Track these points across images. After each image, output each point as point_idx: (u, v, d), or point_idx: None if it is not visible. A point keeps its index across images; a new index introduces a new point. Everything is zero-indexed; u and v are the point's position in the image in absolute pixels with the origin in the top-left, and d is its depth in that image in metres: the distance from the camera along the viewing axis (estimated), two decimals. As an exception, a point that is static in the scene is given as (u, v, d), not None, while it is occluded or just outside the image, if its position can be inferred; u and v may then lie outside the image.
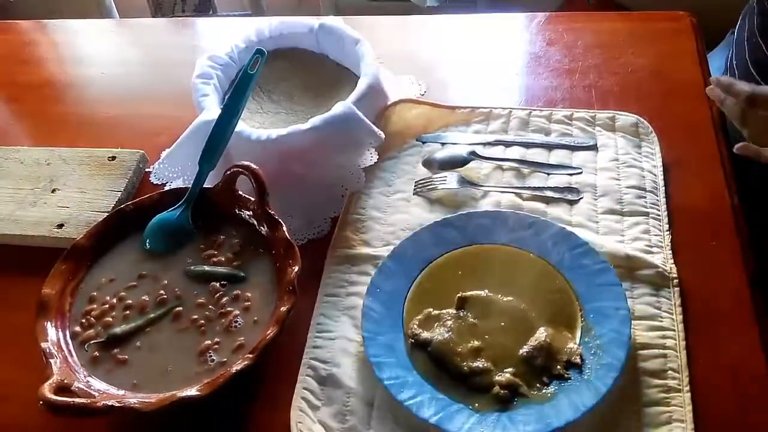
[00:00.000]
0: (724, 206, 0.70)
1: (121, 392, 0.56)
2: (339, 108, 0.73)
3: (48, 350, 0.56)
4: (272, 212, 0.64)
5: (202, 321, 0.61)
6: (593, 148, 0.78)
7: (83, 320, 0.61)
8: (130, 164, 0.82)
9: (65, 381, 0.54)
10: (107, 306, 0.62)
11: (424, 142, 0.82)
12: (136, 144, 0.86)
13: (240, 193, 0.67)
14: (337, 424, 0.58)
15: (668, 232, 0.68)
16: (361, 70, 0.79)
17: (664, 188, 0.72)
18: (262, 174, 0.64)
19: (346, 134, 0.73)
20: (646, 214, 0.70)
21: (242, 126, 0.73)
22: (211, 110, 0.75)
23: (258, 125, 0.79)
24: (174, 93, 0.93)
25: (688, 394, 0.56)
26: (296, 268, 0.60)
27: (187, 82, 0.81)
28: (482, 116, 0.83)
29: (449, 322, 0.62)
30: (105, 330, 0.60)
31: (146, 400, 0.53)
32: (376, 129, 0.75)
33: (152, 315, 0.61)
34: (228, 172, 0.66)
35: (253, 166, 0.65)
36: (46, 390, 0.51)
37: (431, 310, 0.63)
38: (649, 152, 0.76)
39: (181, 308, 0.62)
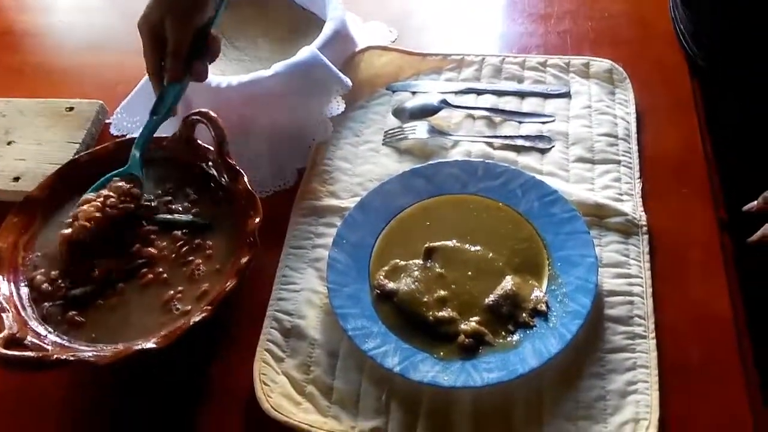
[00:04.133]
0: (697, 154, 0.69)
1: (80, 345, 0.54)
2: (303, 53, 0.70)
3: (0, 304, 0.55)
4: (232, 162, 0.62)
5: (165, 271, 0.60)
6: (566, 95, 0.76)
7: (40, 276, 0.59)
8: (88, 115, 0.79)
9: (18, 335, 0.52)
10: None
11: (394, 91, 0.80)
12: (96, 95, 0.83)
13: (199, 142, 0.65)
14: (302, 375, 0.58)
15: (639, 180, 0.67)
16: (328, 15, 0.76)
17: (636, 136, 0.71)
18: (221, 121, 0.62)
19: (311, 81, 0.71)
20: (618, 162, 0.69)
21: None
22: (170, 57, 0.72)
23: (219, 73, 0.76)
24: (136, 41, 0.88)
25: (653, 341, 0.56)
26: (257, 219, 0.58)
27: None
28: (454, 64, 0.81)
29: (416, 273, 0.61)
30: (66, 290, 0.58)
31: (101, 353, 0.51)
32: (342, 76, 0.73)
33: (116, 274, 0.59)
34: (186, 120, 0.64)
35: (211, 113, 0.62)
36: (-3, 344, 0.49)
37: (398, 261, 0.62)
38: (622, 99, 0.74)
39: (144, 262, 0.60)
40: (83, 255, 0.60)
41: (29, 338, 0.52)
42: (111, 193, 0.62)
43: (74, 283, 0.59)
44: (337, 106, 0.73)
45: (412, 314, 0.58)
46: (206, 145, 0.65)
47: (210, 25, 0.63)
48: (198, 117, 0.63)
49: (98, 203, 0.61)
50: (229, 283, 0.55)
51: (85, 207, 0.60)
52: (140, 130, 0.68)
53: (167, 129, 0.66)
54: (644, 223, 0.63)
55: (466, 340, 0.56)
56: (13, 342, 0.51)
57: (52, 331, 0.55)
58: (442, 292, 0.59)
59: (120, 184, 0.62)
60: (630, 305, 0.58)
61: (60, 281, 0.59)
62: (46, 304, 0.57)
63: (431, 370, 0.55)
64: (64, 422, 0.58)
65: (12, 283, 0.58)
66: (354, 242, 0.64)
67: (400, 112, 0.76)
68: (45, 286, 0.58)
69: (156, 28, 0.62)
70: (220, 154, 0.62)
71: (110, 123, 0.80)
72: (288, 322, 0.61)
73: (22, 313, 0.55)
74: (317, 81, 0.71)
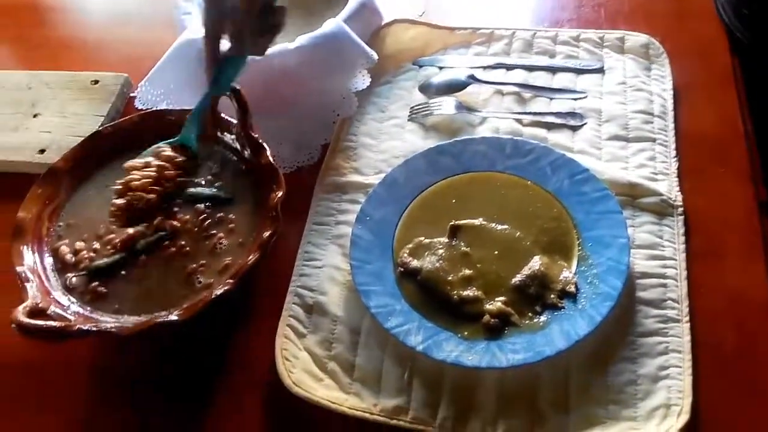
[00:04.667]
0: (736, 132, 0.66)
1: (102, 316, 0.54)
2: (328, 26, 0.69)
3: (23, 274, 0.55)
4: (255, 135, 0.61)
5: (188, 244, 0.59)
6: (600, 71, 0.73)
7: (64, 247, 0.59)
8: (113, 88, 0.79)
9: (41, 305, 0.52)
10: (90, 234, 0.60)
11: (420, 66, 0.78)
12: (122, 68, 0.82)
13: (222, 115, 0.64)
14: (323, 351, 0.57)
15: (675, 159, 0.64)
16: (354, -14, 0.74)
17: (673, 113, 0.68)
18: (245, 94, 0.61)
19: (335, 54, 0.69)
20: (653, 140, 0.66)
21: (226, 46, 0.69)
22: (194, 28, 0.71)
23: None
24: (161, 15, 0.89)
25: (687, 325, 0.54)
26: (280, 194, 0.57)
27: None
28: (483, 38, 0.79)
29: (440, 251, 0.60)
30: (90, 261, 0.58)
31: (123, 325, 0.51)
32: (368, 49, 0.71)
33: (140, 245, 0.59)
34: (209, 93, 0.63)
35: (236, 85, 0.61)
36: (20, 313, 0.49)
37: (422, 238, 0.61)
38: (658, 75, 0.71)
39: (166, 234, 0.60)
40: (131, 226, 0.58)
41: (52, 308, 0.52)
42: (166, 164, 0.58)
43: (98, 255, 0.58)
44: (362, 80, 0.72)
45: (436, 293, 0.57)
46: (229, 118, 0.64)
47: None
48: (222, 89, 0.62)
49: (154, 173, 0.57)
50: (251, 257, 0.54)
51: (138, 174, 0.56)
52: (167, 104, 0.68)
53: (190, 100, 0.66)
54: (680, 203, 0.61)
55: (491, 320, 0.55)
56: (36, 312, 0.51)
57: (75, 301, 0.55)
58: (467, 271, 0.58)
59: (171, 153, 0.58)
60: (663, 288, 0.56)
61: (84, 252, 0.58)
62: (69, 274, 0.57)
63: (455, 350, 0.53)
64: (87, 392, 0.58)
65: (36, 254, 0.58)
66: (378, 219, 0.63)
67: (426, 88, 0.74)
68: (69, 256, 0.58)
69: None
70: (244, 127, 0.61)
71: (135, 96, 0.79)
72: (310, 298, 0.60)
73: (46, 284, 0.55)
74: (342, 54, 0.70)
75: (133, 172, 0.57)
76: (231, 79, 0.60)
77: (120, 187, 0.56)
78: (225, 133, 0.64)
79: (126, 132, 0.65)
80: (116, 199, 0.56)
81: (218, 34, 0.59)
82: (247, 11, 0.57)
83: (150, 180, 0.56)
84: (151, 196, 0.56)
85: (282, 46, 0.68)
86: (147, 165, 0.57)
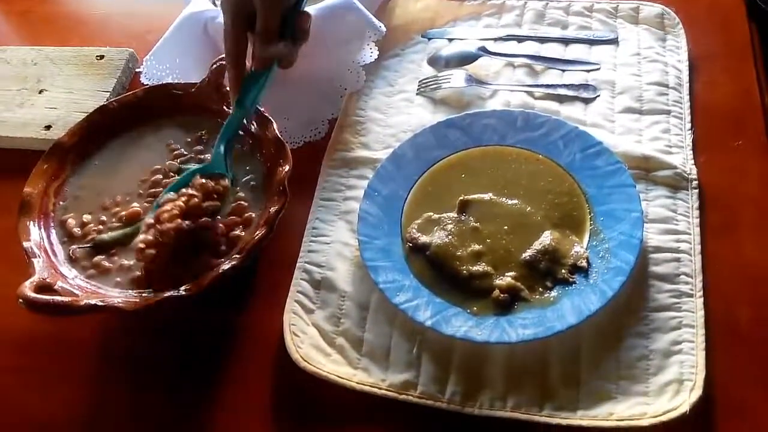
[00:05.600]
0: (753, 104, 0.64)
1: (107, 291, 0.54)
2: (335, -3, 0.67)
3: (30, 249, 0.55)
4: (261, 109, 0.60)
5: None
6: (614, 42, 0.71)
7: (72, 220, 0.59)
8: (118, 63, 0.78)
9: (47, 280, 0.52)
10: (96, 207, 0.60)
11: (429, 38, 0.76)
12: (127, 43, 0.82)
13: (228, 89, 0.63)
14: (331, 326, 0.56)
15: (690, 132, 0.63)
16: (361, -44, 0.72)
17: (688, 84, 0.66)
18: (250, 67, 0.60)
19: (343, 26, 0.68)
20: (668, 112, 0.64)
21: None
22: (199, 1, 0.70)
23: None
24: (166, -11, 0.87)
25: (701, 299, 0.53)
26: (287, 168, 0.57)
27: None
28: (494, 9, 0.77)
29: (450, 226, 0.59)
30: (97, 233, 0.58)
31: (130, 299, 0.51)
32: (376, 21, 0.69)
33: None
34: (214, 66, 0.62)
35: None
36: (27, 288, 0.49)
37: (431, 214, 0.60)
38: (674, 46, 0.69)
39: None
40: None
41: (59, 283, 0.52)
42: (194, 192, 0.55)
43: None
44: (370, 53, 0.70)
45: (445, 268, 0.56)
46: (235, 92, 0.62)
47: (301, 1, 0.56)
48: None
49: (181, 203, 0.54)
50: (258, 232, 0.54)
51: (167, 208, 0.53)
52: (173, 78, 0.66)
53: (195, 74, 0.65)
54: (694, 176, 0.59)
55: (501, 295, 0.54)
56: (43, 287, 0.51)
57: (79, 274, 0.55)
58: (477, 246, 0.57)
59: (204, 182, 0.55)
60: (677, 263, 0.55)
61: (92, 225, 0.58)
62: (74, 246, 0.57)
63: (464, 325, 0.53)
64: (92, 369, 0.58)
65: (42, 229, 0.57)
66: (386, 195, 0.62)
67: (435, 61, 0.73)
68: (76, 229, 0.58)
69: (242, 2, 0.55)
70: (250, 101, 0.60)
71: (140, 72, 0.79)
72: (318, 273, 0.59)
73: (53, 258, 0.55)
74: (350, 26, 0.68)
75: (167, 205, 0.54)
76: (256, 99, 0.57)
77: (151, 221, 0.53)
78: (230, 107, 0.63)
79: (131, 107, 0.65)
80: (143, 233, 0.53)
81: (242, 49, 0.56)
82: (269, 17, 0.54)
83: (177, 213, 0.53)
84: (183, 223, 0.53)
85: (288, 18, 0.66)
86: (182, 195, 0.55)
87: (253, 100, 0.57)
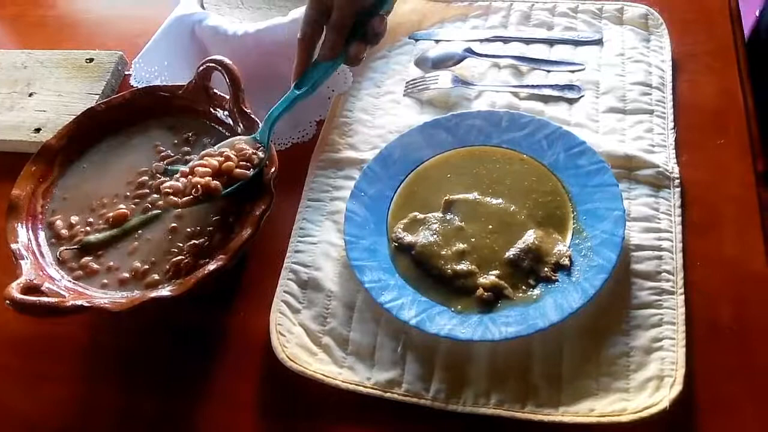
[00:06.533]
0: (736, 103, 0.65)
1: (94, 292, 0.55)
2: (322, -1, 0.68)
3: (18, 251, 0.55)
4: (248, 110, 0.60)
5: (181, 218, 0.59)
6: (598, 42, 0.72)
7: (60, 222, 0.60)
8: (108, 66, 0.79)
9: (35, 281, 0.52)
10: (84, 209, 0.61)
11: (416, 40, 0.77)
12: (118, 46, 0.82)
13: (215, 91, 0.63)
14: (318, 326, 0.57)
15: (673, 131, 0.63)
16: (348, -41, 0.73)
17: (671, 84, 0.67)
18: (236, 69, 0.60)
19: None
20: (651, 111, 0.65)
21: (219, 21, 0.68)
22: (187, 4, 0.71)
23: (238, 22, 0.74)
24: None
25: (682, 296, 0.53)
26: (273, 169, 0.57)
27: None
28: (480, 10, 0.78)
29: (435, 226, 0.59)
30: (85, 235, 0.59)
31: (117, 300, 0.52)
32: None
33: (133, 222, 0.59)
34: (201, 68, 0.62)
35: (226, 60, 0.61)
36: (14, 289, 0.50)
37: (417, 213, 0.61)
38: (657, 46, 0.70)
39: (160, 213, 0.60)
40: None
41: (46, 284, 0.53)
42: (232, 155, 0.57)
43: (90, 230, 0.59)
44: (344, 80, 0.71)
45: (429, 267, 0.57)
46: (222, 94, 0.63)
47: (379, 4, 0.58)
48: (213, 64, 0.61)
49: (216, 162, 0.56)
50: (244, 233, 0.54)
51: (203, 162, 0.56)
52: (162, 80, 0.67)
53: (184, 76, 0.65)
54: (676, 175, 0.60)
55: (485, 293, 0.54)
56: (30, 289, 0.51)
57: (66, 275, 0.55)
58: (461, 245, 0.58)
59: (244, 147, 0.57)
60: (658, 260, 0.56)
61: (79, 226, 0.59)
62: (62, 248, 0.58)
63: (448, 323, 0.53)
64: (79, 370, 0.59)
65: (30, 231, 0.58)
66: (372, 195, 0.62)
67: (422, 62, 0.74)
68: (63, 231, 0.59)
69: None
70: (236, 102, 0.61)
71: (130, 74, 0.79)
72: (305, 273, 0.60)
73: (40, 260, 0.56)
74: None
75: (206, 158, 0.56)
76: (316, 85, 0.59)
77: (186, 169, 0.56)
78: (218, 109, 0.64)
79: (118, 109, 0.65)
80: (174, 179, 0.55)
81: (315, 37, 0.58)
82: (344, 13, 0.56)
83: (211, 171, 0.55)
84: (212, 181, 0.55)
85: (275, 20, 0.67)
86: (220, 154, 0.57)
87: (310, 86, 0.59)
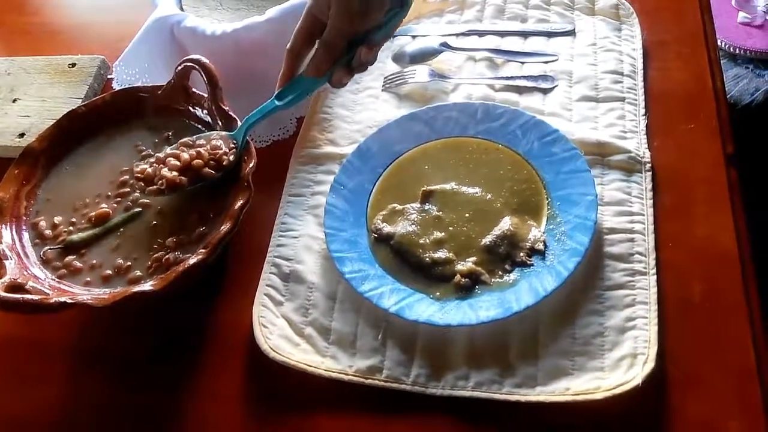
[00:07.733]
0: (705, 88, 0.66)
1: (78, 289, 0.55)
2: (298, -2, 0.69)
3: (2, 252, 0.56)
4: (226, 108, 0.61)
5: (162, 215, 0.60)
6: (571, 33, 0.73)
7: (43, 222, 0.60)
8: (90, 71, 0.80)
9: (19, 280, 0.53)
10: (67, 209, 0.61)
11: (394, 36, 0.78)
12: (99, 52, 0.83)
13: (194, 90, 0.64)
14: (300, 317, 0.58)
15: (644, 117, 0.65)
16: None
17: (642, 72, 0.68)
18: (214, 68, 0.61)
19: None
20: (622, 99, 0.66)
21: (197, 22, 0.69)
22: (165, 6, 0.72)
23: (216, 23, 0.75)
24: (136, -1, 0.89)
25: (654, 277, 0.55)
26: (251, 164, 0.58)
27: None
28: (456, 5, 0.79)
29: (413, 216, 0.60)
30: (68, 234, 0.59)
31: (99, 296, 0.52)
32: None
33: (115, 221, 0.60)
34: (179, 68, 0.63)
35: (203, 59, 0.62)
36: (-3, 288, 0.51)
37: (396, 204, 0.62)
38: (628, 35, 0.72)
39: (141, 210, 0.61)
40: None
41: (30, 283, 0.53)
42: (204, 152, 0.59)
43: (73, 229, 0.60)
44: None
45: (408, 256, 0.58)
46: (200, 93, 0.64)
47: (372, 34, 0.57)
48: (191, 64, 0.62)
49: (187, 157, 0.58)
50: (224, 227, 0.55)
51: (176, 155, 0.59)
52: (143, 83, 0.68)
53: (164, 77, 0.66)
54: (647, 160, 0.61)
55: (462, 279, 0.56)
56: (15, 287, 0.52)
57: (51, 275, 0.56)
58: (439, 234, 0.59)
59: (218, 143, 0.59)
60: (631, 243, 0.57)
61: (62, 226, 0.60)
62: (46, 247, 0.58)
63: (427, 310, 0.54)
64: (70, 365, 0.60)
65: (14, 232, 0.59)
66: (352, 188, 0.63)
67: (400, 57, 0.75)
68: (47, 231, 0.59)
69: (319, 9, 0.56)
70: (214, 100, 0.62)
71: (112, 78, 0.80)
72: (287, 267, 0.61)
73: (24, 260, 0.56)
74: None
75: (182, 147, 0.60)
76: (293, 100, 0.59)
77: (161, 155, 0.60)
78: (197, 108, 0.65)
79: (99, 110, 0.66)
80: (145, 163, 0.60)
81: (303, 50, 0.58)
82: (337, 33, 0.56)
83: (180, 166, 0.58)
84: (178, 177, 0.58)
85: (252, 19, 0.68)
86: (196, 146, 0.59)
87: (290, 99, 0.59)
